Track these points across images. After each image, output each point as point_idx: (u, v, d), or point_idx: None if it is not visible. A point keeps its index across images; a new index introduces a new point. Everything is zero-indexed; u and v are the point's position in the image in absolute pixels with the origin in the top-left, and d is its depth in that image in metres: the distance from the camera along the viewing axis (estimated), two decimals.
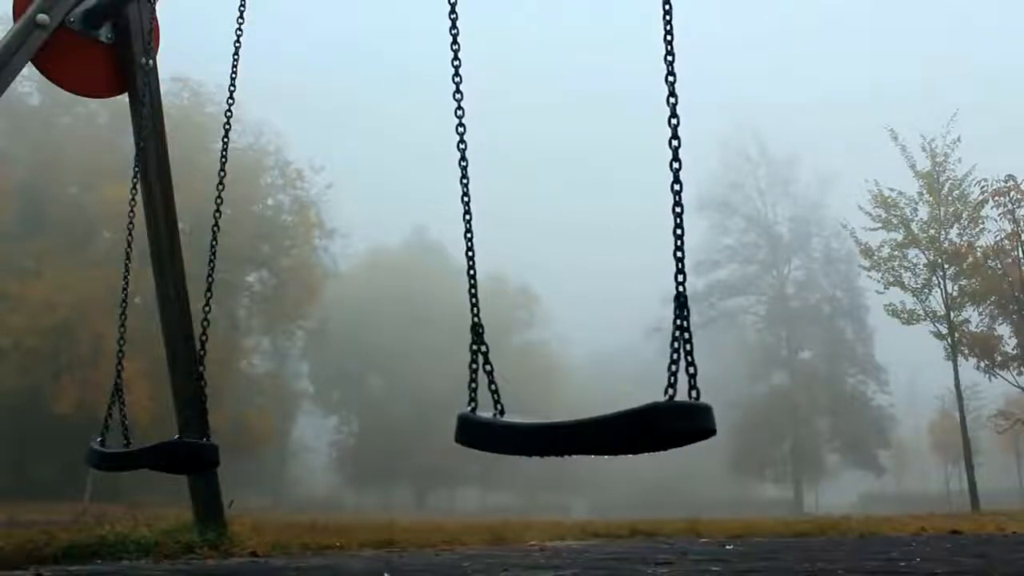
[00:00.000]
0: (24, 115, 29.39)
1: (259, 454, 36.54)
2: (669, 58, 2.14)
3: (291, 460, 49.23)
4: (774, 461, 46.73)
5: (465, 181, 2.61)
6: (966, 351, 22.71)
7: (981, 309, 23.04)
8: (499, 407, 2.31)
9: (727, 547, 5.45)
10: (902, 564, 3.64)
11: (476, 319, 2.47)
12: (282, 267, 36.53)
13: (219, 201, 3.88)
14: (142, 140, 4.64)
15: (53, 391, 27.08)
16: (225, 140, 4.07)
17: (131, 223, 4.33)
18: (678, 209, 2.06)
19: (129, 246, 4.35)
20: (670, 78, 2.12)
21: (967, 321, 23.07)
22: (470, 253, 2.57)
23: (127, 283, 4.24)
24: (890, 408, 46.53)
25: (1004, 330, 22.82)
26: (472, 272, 2.56)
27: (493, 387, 2.35)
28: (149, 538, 4.24)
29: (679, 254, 2.04)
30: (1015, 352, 22.47)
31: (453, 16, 2.70)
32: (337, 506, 38.63)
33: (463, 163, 2.61)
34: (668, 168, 2.08)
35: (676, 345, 1.96)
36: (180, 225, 4.84)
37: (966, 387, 24.73)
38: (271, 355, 41.92)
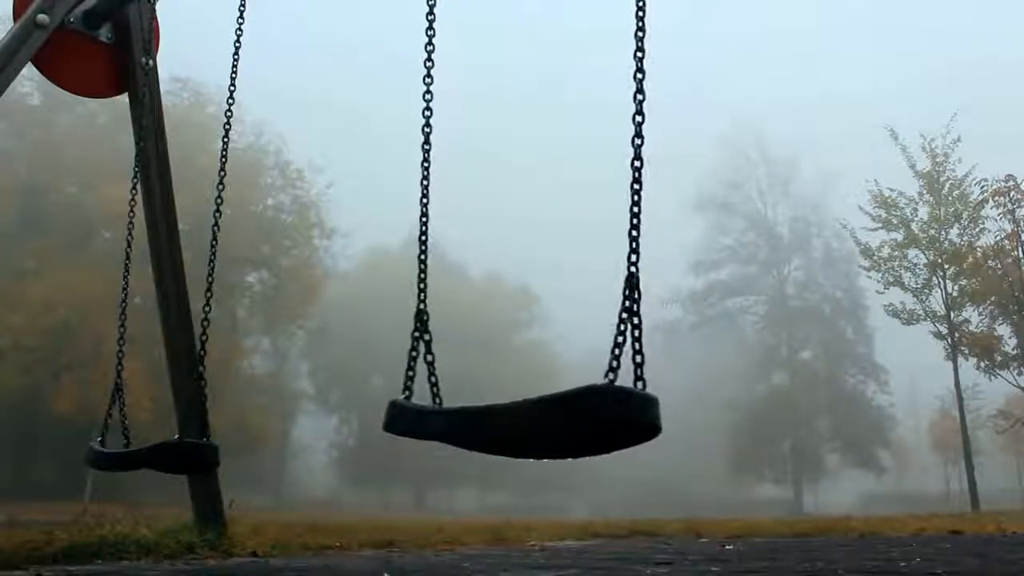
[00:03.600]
0: (24, 115, 29.37)
1: (259, 454, 36.53)
2: (639, 54, 2.11)
3: (291, 460, 49.23)
4: (774, 461, 46.70)
5: (426, 164, 2.64)
6: (966, 351, 22.71)
7: (981, 309, 23.04)
8: (438, 401, 2.26)
9: (727, 547, 5.45)
10: (902, 564, 3.65)
11: (422, 305, 2.42)
12: (282, 267, 36.50)
13: (219, 201, 3.89)
14: (142, 140, 4.64)
15: (53, 391, 27.05)
16: (225, 140, 4.08)
17: (131, 223, 4.34)
18: (636, 187, 2.01)
19: (129, 246, 4.36)
20: (639, 75, 2.10)
21: (967, 321, 23.08)
22: (423, 238, 2.57)
23: (127, 283, 4.25)
24: (890, 408, 46.59)
25: (1004, 330, 22.82)
26: (423, 258, 2.55)
27: (433, 379, 2.30)
28: (149, 538, 4.23)
29: (634, 232, 1.96)
30: (1015, 352, 22.46)
31: (431, 18, 2.72)
32: (337, 506, 38.60)
33: (426, 146, 2.64)
34: (632, 145, 2.05)
35: (623, 328, 1.84)
36: (180, 225, 4.83)
37: (966, 387, 24.73)
38: (271, 355, 41.92)
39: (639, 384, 1.81)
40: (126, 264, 4.34)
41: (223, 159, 4.01)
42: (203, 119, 30.89)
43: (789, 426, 45.34)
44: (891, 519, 10.30)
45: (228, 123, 4.10)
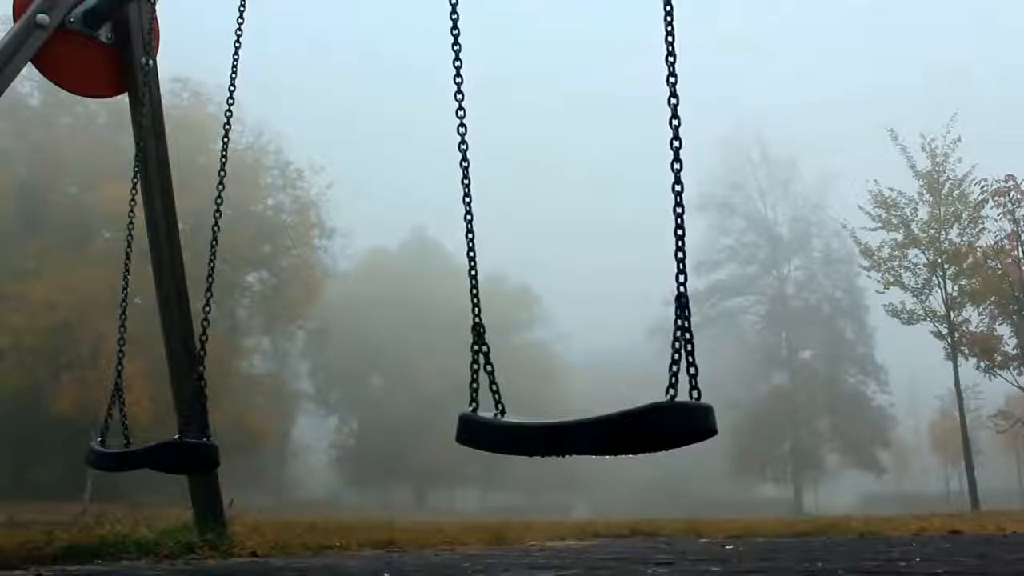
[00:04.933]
0: (24, 115, 29.37)
1: (259, 454, 36.52)
2: (671, 59, 2.13)
3: (291, 460, 49.20)
4: (774, 461, 46.69)
5: (466, 182, 2.61)
6: (966, 351, 22.71)
7: (981, 309, 23.04)
8: (500, 407, 2.32)
9: (727, 547, 5.45)
10: (902, 564, 3.64)
11: (477, 319, 2.47)
12: (282, 267, 36.48)
13: (219, 201, 3.88)
14: (142, 140, 4.64)
15: (53, 391, 27.05)
16: (225, 140, 4.07)
17: (131, 223, 4.34)
18: (679, 210, 2.07)
19: (129, 246, 4.35)
20: (671, 79, 2.12)
21: (967, 321, 23.07)
22: (471, 254, 2.57)
23: (127, 283, 4.25)
24: (890, 408, 46.56)
25: (1004, 330, 22.82)
26: (474, 273, 2.56)
27: (494, 387, 2.36)
28: (149, 538, 4.23)
29: (680, 255, 2.05)
30: (1015, 352, 22.46)
31: (454, 16, 2.70)
32: (337, 506, 38.60)
33: (464, 163, 2.61)
34: (670, 168, 2.09)
35: (677, 345, 1.97)
36: (180, 225, 4.83)
37: (966, 387, 24.73)
38: (271, 355, 41.89)
39: (694, 394, 1.95)
40: (126, 264, 4.33)
41: (223, 159, 4.00)
42: (203, 119, 30.85)
43: (789, 426, 45.34)
44: (891, 519, 10.30)
45: (228, 123, 4.09)
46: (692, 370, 1.96)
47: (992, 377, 22.82)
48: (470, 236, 2.58)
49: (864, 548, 5.11)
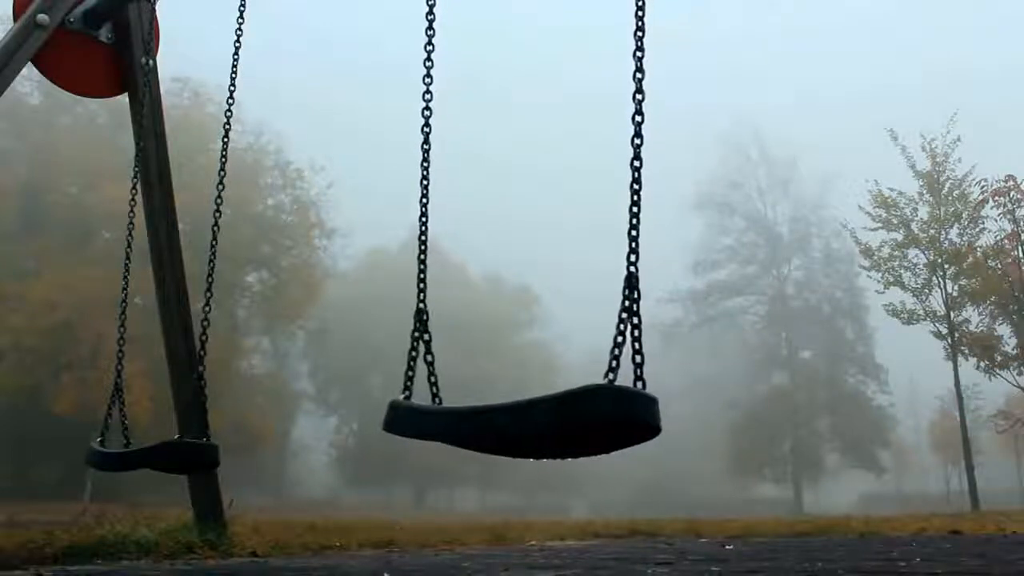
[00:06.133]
0: (24, 115, 29.37)
1: (259, 454, 36.52)
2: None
3: (291, 460, 49.21)
4: (774, 461, 46.68)
5: (426, 164, 2.62)
6: (966, 351, 22.70)
7: (981, 309, 23.04)
8: (438, 400, 2.26)
9: (727, 547, 5.45)
10: (902, 564, 3.64)
11: (421, 304, 2.39)
12: (282, 267, 36.49)
13: (219, 201, 3.89)
14: (142, 140, 4.64)
15: (53, 391, 27.05)
16: (225, 140, 4.08)
17: (131, 223, 4.34)
18: (636, 187, 2.00)
19: (129, 246, 4.36)
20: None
21: (967, 321, 23.07)
22: (423, 238, 2.56)
23: (127, 283, 4.25)
24: (890, 408, 46.54)
25: (1004, 330, 22.81)
26: (422, 257, 2.52)
27: (433, 378, 2.28)
28: (149, 538, 4.23)
29: (633, 232, 1.95)
30: (1015, 352, 22.45)
31: (431, 17, 2.72)
32: (337, 506, 38.59)
33: (425, 147, 2.63)
34: (631, 145, 2.03)
35: (622, 327, 1.82)
36: (180, 225, 4.83)
37: (966, 387, 24.72)
38: (271, 355, 41.91)
39: (639, 384, 1.79)
40: (126, 264, 4.34)
41: (223, 159, 4.01)
42: (203, 119, 30.86)
43: (789, 426, 45.31)
44: (891, 519, 10.30)
45: (228, 123, 4.10)
46: (639, 358, 1.81)
47: (992, 377, 22.82)
48: (423, 220, 2.58)
49: (864, 548, 5.11)
